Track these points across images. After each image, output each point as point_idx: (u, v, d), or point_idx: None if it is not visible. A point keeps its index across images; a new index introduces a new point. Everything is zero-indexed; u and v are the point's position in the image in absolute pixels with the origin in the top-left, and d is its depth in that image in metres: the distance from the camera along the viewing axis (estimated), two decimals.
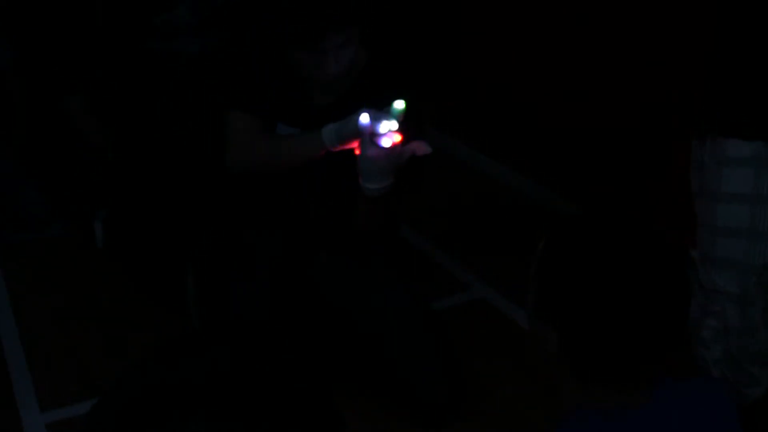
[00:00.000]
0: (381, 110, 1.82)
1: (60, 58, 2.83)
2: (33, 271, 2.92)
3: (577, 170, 3.28)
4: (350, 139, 1.86)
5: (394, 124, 1.79)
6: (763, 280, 1.74)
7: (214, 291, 2.27)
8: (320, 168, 2.03)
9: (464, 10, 3.79)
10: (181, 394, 0.68)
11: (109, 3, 2.80)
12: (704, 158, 1.78)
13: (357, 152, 1.86)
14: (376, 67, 2.04)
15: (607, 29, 2.99)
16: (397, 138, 1.80)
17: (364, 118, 1.79)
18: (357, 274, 2.22)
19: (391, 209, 2.05)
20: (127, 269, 2.88)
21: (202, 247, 2.44)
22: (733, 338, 1.79)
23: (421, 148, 1.85)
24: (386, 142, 1.79)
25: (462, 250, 3.08)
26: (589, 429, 1.08)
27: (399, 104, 1.81)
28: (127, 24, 2.73)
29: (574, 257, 1.06)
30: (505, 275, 2.81)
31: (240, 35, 2.12)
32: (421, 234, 3.20)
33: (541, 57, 3.35)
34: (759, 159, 1.68)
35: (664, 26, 2.73)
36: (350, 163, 1.92)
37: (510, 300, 2.71)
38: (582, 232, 1.10)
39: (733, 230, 1.73)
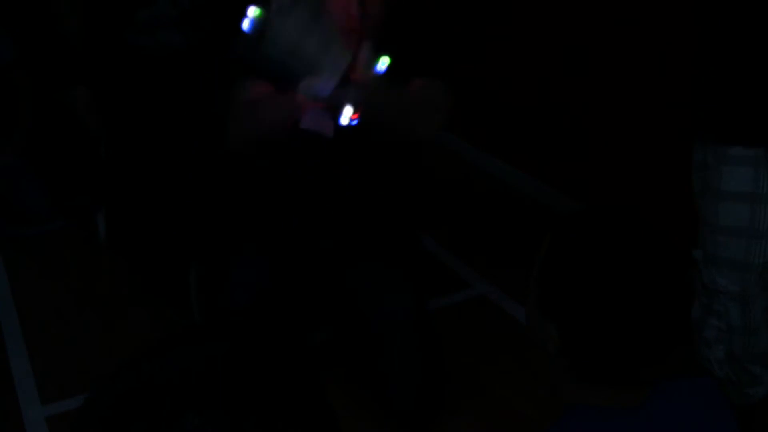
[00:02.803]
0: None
1: (62, 51, 2.83)
2: (35, 265, 2.93)
3: (580, 169, 3.27)
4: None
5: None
6: (763, 279, 1.74)
7: (216, 285, 2.27)
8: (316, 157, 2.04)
9: (466, 9, 3.79)
10: (175, 386, 0.69)
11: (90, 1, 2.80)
12: (707, 159, 1.78)
13: None
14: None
15: (610, 28, 2.99)
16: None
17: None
18: (363, 272, 2.21)
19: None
20: (129, 264, 2.89)
21: (204, 242, 2.44)
22: (736, 338, 1.79)
23: None
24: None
25: (463, 247, 3.08)
26: (586, 428, 1.07)
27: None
28: (109, 21, 2.72)
29: (577, 254, 1.06)
30: (507, 273, 2.81)
31: None
32: (423, 231, 3.20)
33: (546, 58, 3.35)
34: (758, 158, 1.68)
35: (667, 27, 2.73)
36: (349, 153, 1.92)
37: (511, 297, 2.71)
38: (586, 229, 1.09)
39: (733, 229, 1.72)
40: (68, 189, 3.16)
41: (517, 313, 2.61)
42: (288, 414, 0.70)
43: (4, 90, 3.07)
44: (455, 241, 3.12)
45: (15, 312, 2.67)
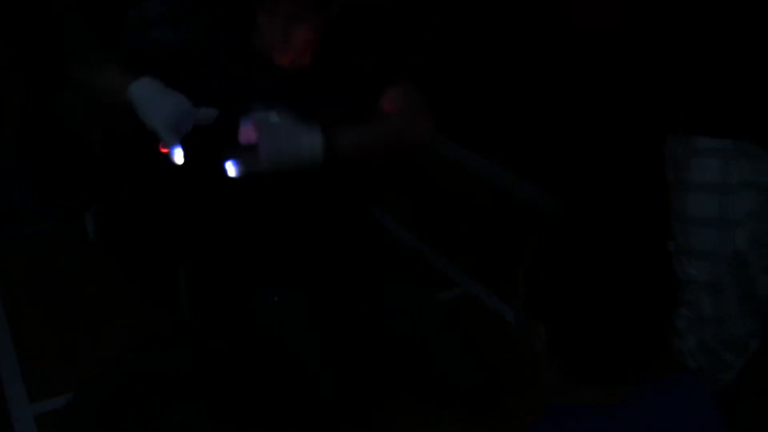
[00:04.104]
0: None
1: (54, 52, 2.83)
2: (23, 265, 2.93)
3: (566, 169, 3.29)
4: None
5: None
6: (734, 268, 1.74)
7: (206, 284, 2.26)
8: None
9: (455, 11, 3.81)
10: (163, 382, 0.70)
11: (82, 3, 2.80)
12: (677, 152, 1.79)
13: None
14: (344, 30, 2.05)
15: (590, 29, 3.02)
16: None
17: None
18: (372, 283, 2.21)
19: None
20: (118, 263, 2.88)
21: (193, 241, 2.42)
22: (707, 327, 1.79)
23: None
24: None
25: (451, 246, 3.09)
26: (572, 424, 1.09)
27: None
28: (102, 21, 2.72)
29: (564, 253, 1.07)
30: (495, 272, 2.82)
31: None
32: (411, 231, 3.21)
33: (532, 57, 3.37)
34: (727, 149, 1.69)
35: (649, 26, 2.75)
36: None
37: (499, 297, 2.72)
38: (572, 228, 1.11)
39: (703, 220, 1.74)
40: (59, 190, 3.15)
41: (505, 311, 2.62)
42: (273, 409, 0.71)
43: None
44: (442, 240, 3.14)
45: (3, 310, 2.66)
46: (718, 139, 1.69)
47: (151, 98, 1.81)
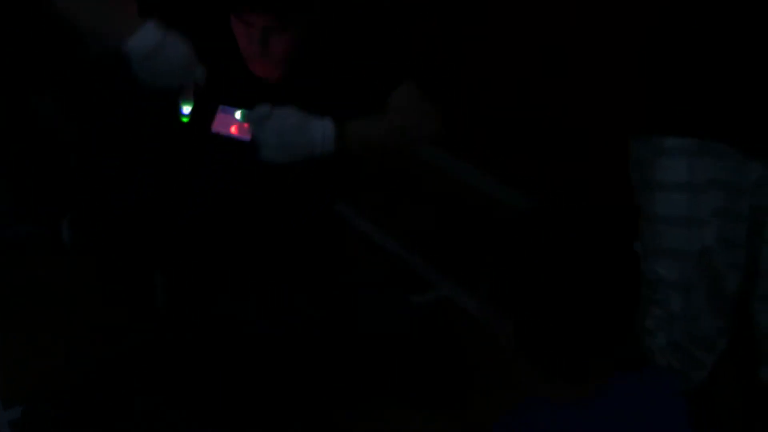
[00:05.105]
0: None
1: (28, 56, 2.83)
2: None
3: (565, 168, 3.28)
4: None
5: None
6: (701, 265, 1.76)
7: (182, 288, 2.25)
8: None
9: (455, 11, 3.80)
10: (126, 373, 0.69)
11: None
12: (643, 153, 1.82)
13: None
14: (341, 31, 1.97)
15: (589, 29, 3.00)
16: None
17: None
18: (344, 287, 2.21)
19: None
20: (94, 268, 2.88)
21: (171, 247, 2.41)
22: (678, 325, 1.81)
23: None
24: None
25: (427, 248, 3.11)
26: (539, 418, 1.12)
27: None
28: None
29: (530, 250, 1.09)
30: (470, 273, 2.82)
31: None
32: (386, 232, 3.23)
33: (532, 57, 3.36)
34: (692, 148, 1.72)
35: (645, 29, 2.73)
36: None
37: (475, 298, 2.69)
38: (538, 226, 1.12)
39: (671, 219, 1.76)
40: (34, 194, 3.16)
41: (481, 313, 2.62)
42: (239, 401, 0.69)
43: None
44: (419, 242, 3.15)
45: None
46: (683, 138, 1.72)
47: (160, 50, 1.70)
